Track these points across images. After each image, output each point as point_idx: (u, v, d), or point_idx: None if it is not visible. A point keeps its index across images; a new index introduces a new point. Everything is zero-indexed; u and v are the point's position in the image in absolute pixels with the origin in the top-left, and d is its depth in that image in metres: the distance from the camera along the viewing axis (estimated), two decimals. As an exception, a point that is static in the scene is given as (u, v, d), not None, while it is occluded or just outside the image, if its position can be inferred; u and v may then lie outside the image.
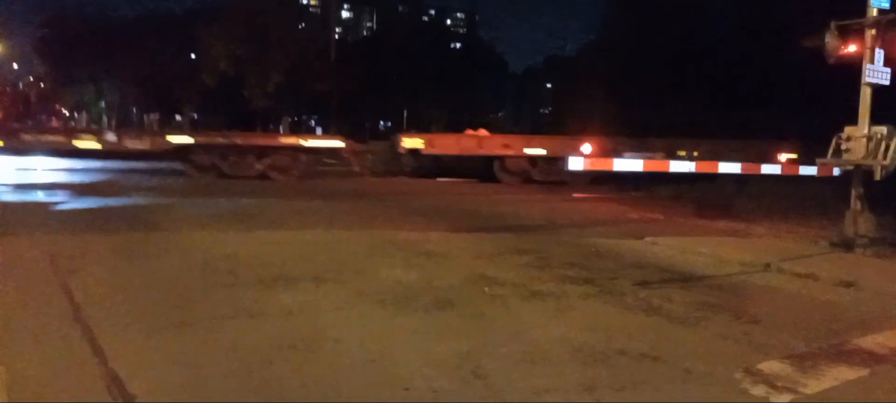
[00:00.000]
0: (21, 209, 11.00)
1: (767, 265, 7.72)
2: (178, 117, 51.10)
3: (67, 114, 65.09)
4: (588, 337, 4.78)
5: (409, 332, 4.85)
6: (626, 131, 20.99)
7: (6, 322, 4.77)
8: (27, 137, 18.02)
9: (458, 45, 70.65)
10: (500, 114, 63.03)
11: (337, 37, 42.73)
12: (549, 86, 67.30)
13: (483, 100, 55.60)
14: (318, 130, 40.90)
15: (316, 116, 45.21)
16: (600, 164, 16.78)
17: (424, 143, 19.81)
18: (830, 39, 8.96)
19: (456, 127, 27.10)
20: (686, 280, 6.96)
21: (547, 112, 64.27)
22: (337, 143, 19.90)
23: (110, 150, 17.82)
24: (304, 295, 5.76)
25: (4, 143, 17.47)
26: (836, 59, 9.08)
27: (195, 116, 43.45)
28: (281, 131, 35.94)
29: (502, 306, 5.60)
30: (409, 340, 4.64)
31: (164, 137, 18.62)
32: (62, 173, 17.50)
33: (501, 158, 20.03)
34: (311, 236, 8.86)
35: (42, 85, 60.24)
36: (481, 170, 20.24)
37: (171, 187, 15.36)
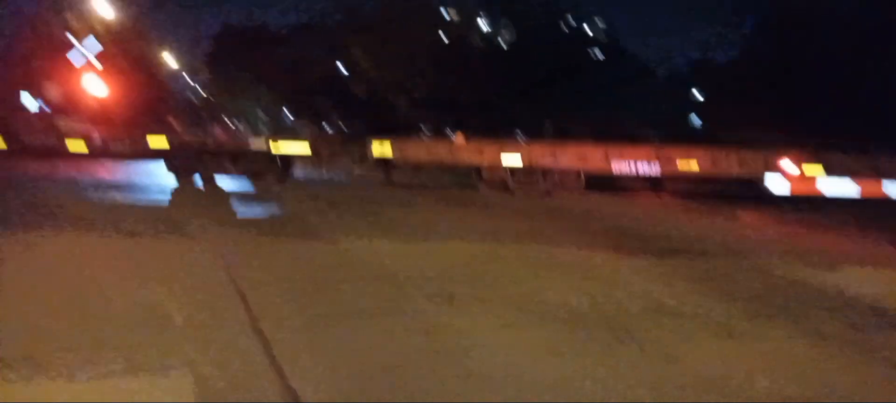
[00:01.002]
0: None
1: None
2: (325, 125, 53.61)
3: (227, 121, 70.94)
4: (804, 392, 4.07)
5: (584, 362, 4.40)
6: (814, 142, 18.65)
7: (187, 324, 4.89)
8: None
9: (597, 51, 68.67)
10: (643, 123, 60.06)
11: (478, 44, 42.86)
12: (696, 92, 63.56)
13: (626, 108, 53.34)
14: (454, 138, 41.20)
15: (454, 123, 45.59)
16: (805, 187, 14.77)
17: (394, 150, 18.85)
18: None
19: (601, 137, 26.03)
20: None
21: (696, 120, 60.54)
22: (304, 148, 19.23)
23: (97, 153, 18.63)
24: (468, 313, 5.48)
25: None
26: None
27: (340, 124, 45.37)
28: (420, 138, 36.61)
29: (691, 343, 4.97)
30: (584, 372, 4.19)
31: (144, 139, 18.68)
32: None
33: (478, 168, 18.85)
34: (463, 248, 8.65)
35: (207, 95, 65.92)
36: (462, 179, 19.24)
37: (318, 194, 15.88)
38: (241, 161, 18.08)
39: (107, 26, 30.11)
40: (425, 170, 20.24)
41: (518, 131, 26.07)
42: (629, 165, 18.34)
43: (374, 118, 31.87)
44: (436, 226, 11.05)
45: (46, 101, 28.18)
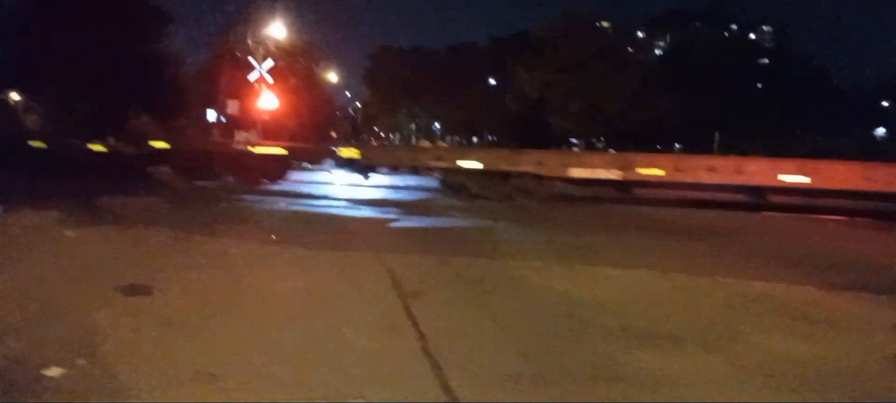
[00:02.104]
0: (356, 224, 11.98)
1: None
2: (474, 139, 54.21)
3: (383, 135, 74.23)
4: None
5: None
6: None
7: (356, 347, 4.66)
8: None
9: (767, 61, 63.29)
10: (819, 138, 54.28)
11: (633, 57, 41.15)
12: (885, 104, 56.47)
13: (805, 121, 48.47)
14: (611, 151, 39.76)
15: (605, 139, 44.04)
16: None
17: (361, 156, 19.22)
18: None
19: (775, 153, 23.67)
20: None
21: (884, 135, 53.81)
22: (281, 152, 19.84)
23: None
24: (666, 359, 4.75)
25: None
26: None
27: (491, 138, 45.71)
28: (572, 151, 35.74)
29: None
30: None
31: (147, 143, 19.69)
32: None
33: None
34: (644, 278, 7.78)
35: (366, 109, 69.39)
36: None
37: (477, 209, 15.56)
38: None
39: (280, 46, 32.38)
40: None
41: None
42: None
43: (529, 133, 31.67)
44: (605, 250, 10.24)
45: (228, 117, 30.74)
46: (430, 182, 20.42)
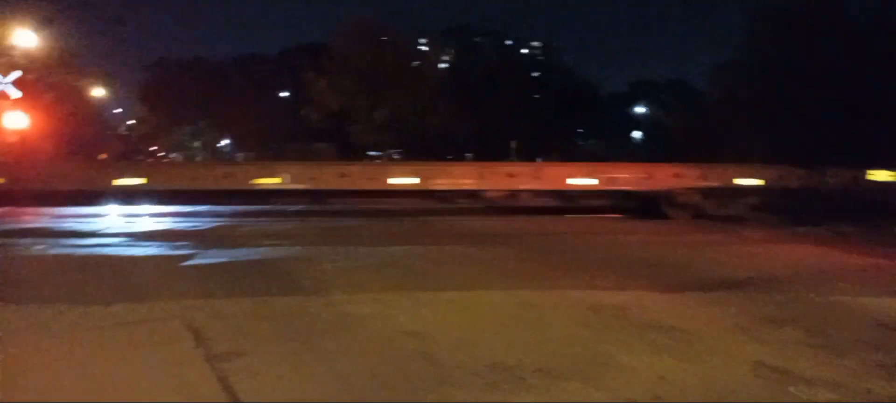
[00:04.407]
0: (145, 264, 9.92)
1: None
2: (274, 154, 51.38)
3: (163, 154, 67.32)
4: None
5: None
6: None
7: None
8: None
9: (538, 73, 68.87)
10: (590, 142, 60.15)
11: (425, 68, 41.92)
12: (639, 111, 64.22)
13: (569, 128, 53.29)
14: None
15: (403, 149, 44.40)
16: None
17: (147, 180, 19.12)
18: None
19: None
20: None
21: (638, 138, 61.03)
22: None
23: None
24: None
25: None
26: None
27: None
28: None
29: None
30: None
31: None
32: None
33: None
34: (495, 299, 7.19)
35: (142, 127, 62.49)
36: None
37: (289, 233, 14.13)
38: None
39: (30, 55, 27.36)
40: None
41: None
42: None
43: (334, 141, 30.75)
44: (438, 269, 9.57)
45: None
46: (224, 207, 18.48)
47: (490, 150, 32.14)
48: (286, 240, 12.42)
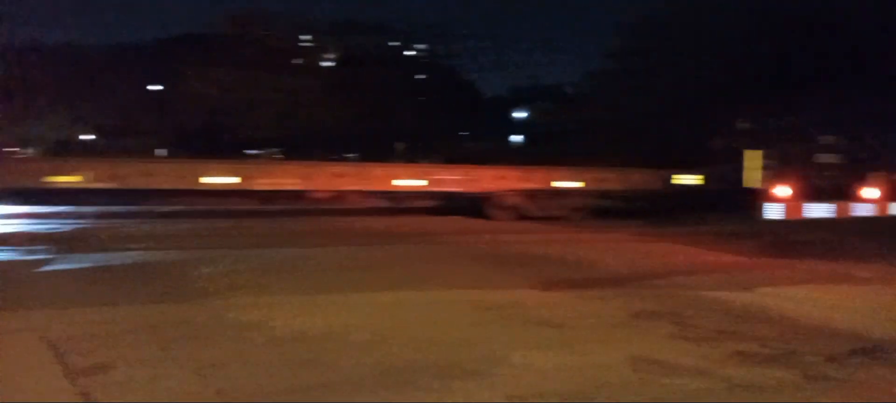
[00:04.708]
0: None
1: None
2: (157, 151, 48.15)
3: (12, 149, 60.93)
4: None
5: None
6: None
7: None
8: None
9: (424, 76, 69.41)
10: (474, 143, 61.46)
11: (311, 64, 41.04)
12: (522, 114, 66.52)
13: (450, 128, 54.16)
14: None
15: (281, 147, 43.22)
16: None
17: None
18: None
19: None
20: (879, 349, 5.52)
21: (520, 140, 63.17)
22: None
23: None
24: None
25: None
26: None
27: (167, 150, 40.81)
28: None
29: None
30: None
31: None
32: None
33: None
34: (384, 299, 7.13)
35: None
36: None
37: (160, 234, 13.25)
38: None
39: None
40: None
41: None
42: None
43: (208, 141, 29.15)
44: (326, 271, 9.33)
45: None
46: (88, 208, 17.07)
47: (376, 151, 32.07)
48: (157, 242, 11.60)
